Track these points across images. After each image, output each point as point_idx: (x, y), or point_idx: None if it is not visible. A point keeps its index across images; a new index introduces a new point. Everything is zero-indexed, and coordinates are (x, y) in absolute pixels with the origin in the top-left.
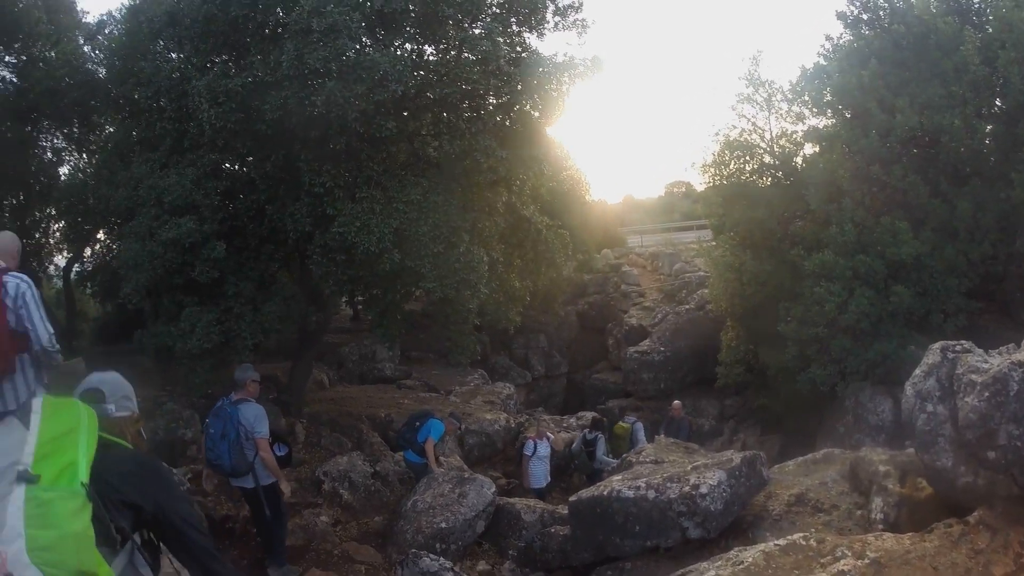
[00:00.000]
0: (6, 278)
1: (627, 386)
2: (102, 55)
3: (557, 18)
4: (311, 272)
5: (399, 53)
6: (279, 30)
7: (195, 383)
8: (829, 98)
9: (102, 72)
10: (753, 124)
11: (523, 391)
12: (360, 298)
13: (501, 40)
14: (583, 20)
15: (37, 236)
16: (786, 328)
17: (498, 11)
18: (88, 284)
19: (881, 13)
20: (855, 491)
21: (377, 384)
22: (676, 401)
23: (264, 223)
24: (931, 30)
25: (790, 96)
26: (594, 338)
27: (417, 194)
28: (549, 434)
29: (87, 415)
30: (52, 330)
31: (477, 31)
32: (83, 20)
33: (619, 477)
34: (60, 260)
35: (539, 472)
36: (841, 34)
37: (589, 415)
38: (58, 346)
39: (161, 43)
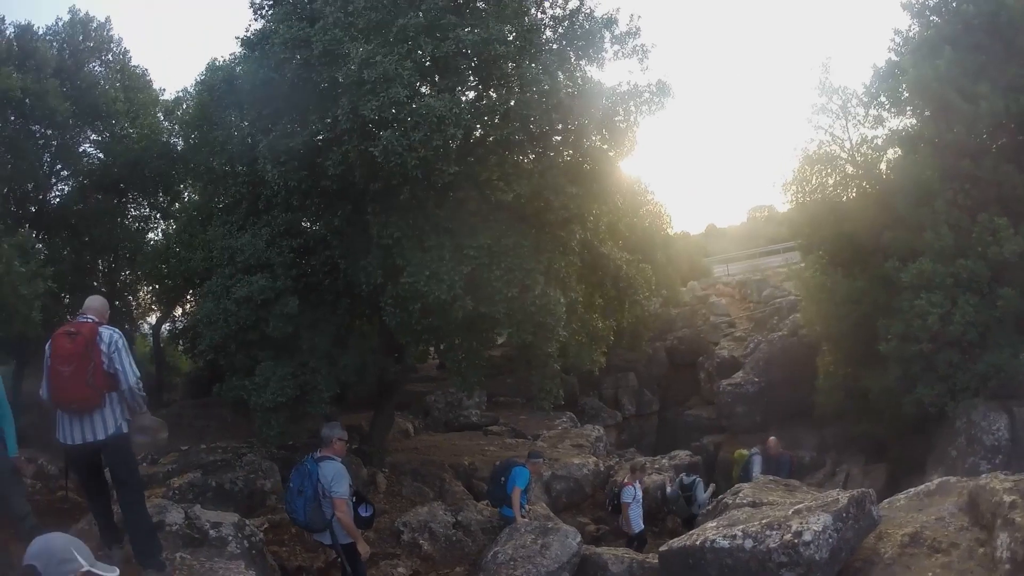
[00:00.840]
0: (101, 329)
1: (721, 420)
2: (178, 127)
3: (616, 47)
4: (387, 323)
5: (457, 97)
6: (336, 87)
7: (270, 435)
8: (906, 95)
9: (180, 144)
10: (831, 134)
11: (613, 432)
12: (439, 347)
13: (560, 75)
14: (643, 46)
15: (128, 297)
16: (886, 347)
17: (555, 46)
18: (180, 341)
19: None
20: (976, 525)
21: (463, 431)
22: (772, 437)
23: (339, 278)
24: (1000, 6)
25: (865, 100)
26: (685, 373)
27: (488, 239)
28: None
29: None
30: (138, 374)
31: (535, 67)
32: (161, 96)
33: (713, 524)
34: (152, 319)
35: (638, 516)
36: (910, 25)
37: (683, 454)
38: (142, 387)
39: (229, 111)
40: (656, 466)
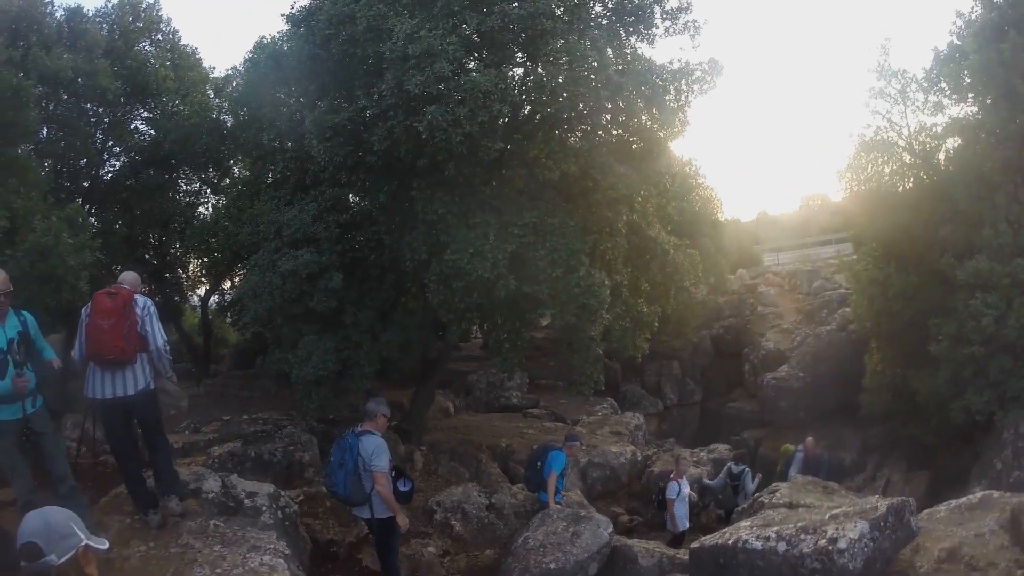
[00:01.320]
0: (137, 297)
1: (764, 415)
2: (228, 104)
3: (667, 23)
4: (430, 301)
5: (503, 73)
6: (381, 63)
7: (310, 408)
8: (968, 81)
9: (229, 120)
10: (888, 120)
11: (654, 420)
12: (482, 326)
13: (609, 51)
14: (694, 22)
15: (178, 270)
16: (938, 348)
17: (604, 21)
18: (227, 314)
19: None
20: (1016, 545)
21: (503, 412)
22: (809, 438)
23: (384, 254)
24: None
25: (925, 84)
26: (730, 364)
27: (533, 217)
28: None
29: None
30: (165, 337)
31: (583, 43)
32: (211, 75)
33: (747, 523)
34: (201, 291)
35: (683, 512)
36: (972, 7)
37: (722, 447)
38: (169, 351)
39: (277, 88)
40: (694, 459)
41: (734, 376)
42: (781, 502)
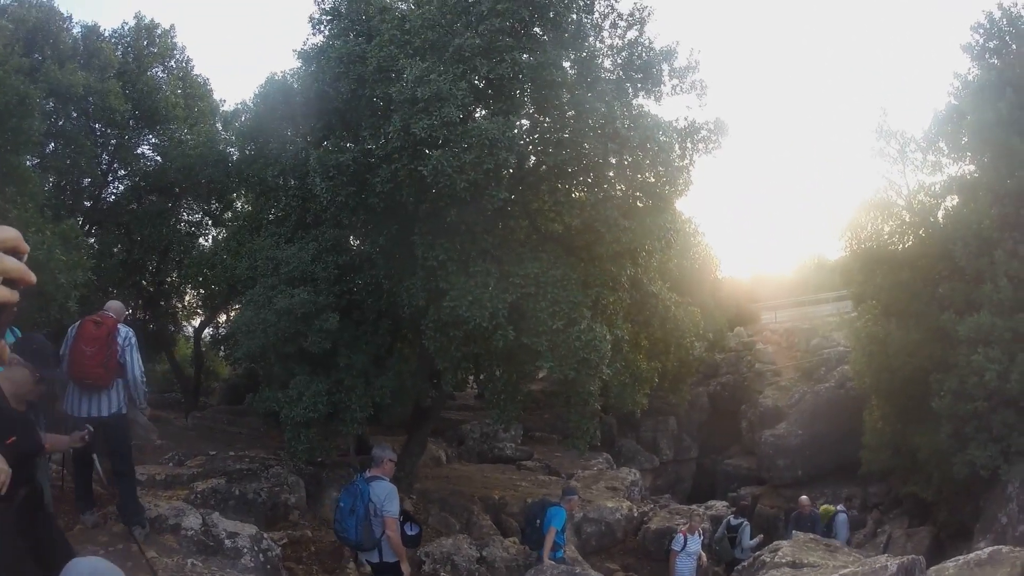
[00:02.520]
0: (120, 327)
1: (761, 472)
2: (235, 138)
3: (674, 81)
4: (427, 348)
5: (511, 121)
6: (389, 105)
7: (298, 449)
8: (966, 140)
9: (235, 154)
10: (888, 180)
11: (650, 476)
12: (478, 376)
13: (617, 106)
14: (701, 81)
15: (173, 299)
16: (939, 404)
17: (612, 76)
18: (222, 347)
19: (1007, 38)
20: None
21: (496, 463)
22: (803, 497)
23: (382, 298)
24: None
25: (924, 144)
26: (727, 421)
27: (535, 268)
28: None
29: None
30: (142, 368)
31: (591, 96)
32: (220, 107)
33: None
34: (196, 322)
35: (687, 569)
36: (969, 68)
37: (719, 504)
38: (145, 382)
39: (284, 124)
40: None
41: (731, 433)
42: (784, 561)
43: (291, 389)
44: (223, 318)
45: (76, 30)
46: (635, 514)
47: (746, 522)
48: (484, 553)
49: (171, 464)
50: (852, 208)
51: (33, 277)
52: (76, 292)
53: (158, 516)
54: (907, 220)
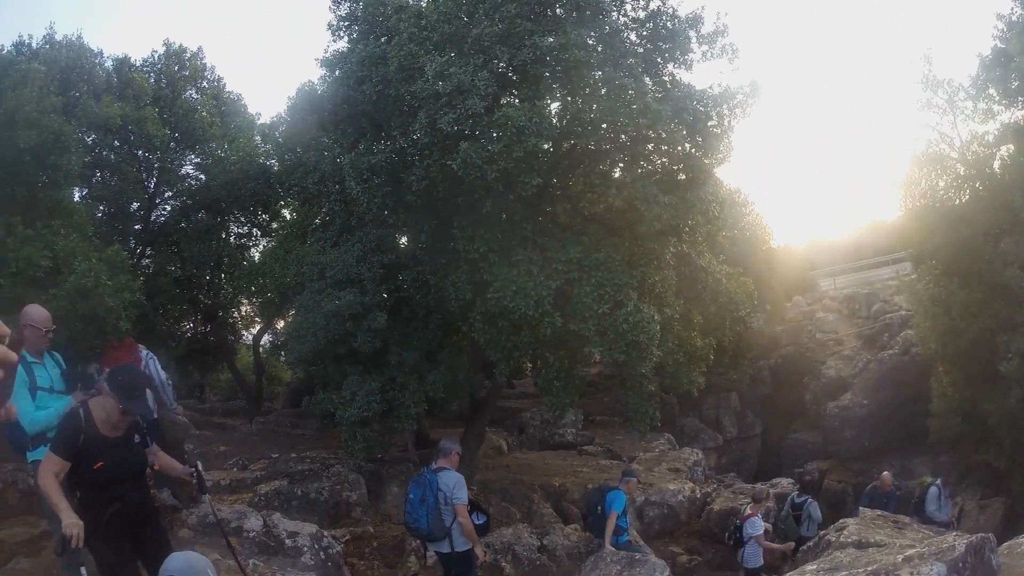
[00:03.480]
0: (142, 350)
1: (827, 446)
2: (273, 149)
3: (704, 47)
4: (477, 340)
5: (539, 107)
6: (414, 102)
7: (355, 449)
8: (1016, 84)
9: (276, 165)
10: (938, 132)
11: (713, 455)
12: (533, 363)
13: (647, 79)
14: (732, 45)
15: (231, 310)
16: (1008, 367)
17: (639, 49)
18: (281, 353)
19: None
20: None
21: (557, 450)
22: (886, 472)
23: (429, 293)
24: None
25: (973, 92)
26: (790, 394)
27: (577, 252)
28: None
29: None
30: (165, 375)
31: (620, 73)
32: (258, 120)
33: (813, 567)
34: (254, 330)
35: (758, 551)
36: (1012, 8)
37: (785, 482)
38: (170, 384)
39: (317, 131)
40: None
41: (795, 406)
42: (849, 541)
43: (344, 390)
44: (280, 324)
45: (108, 63)
46: (698, 495)
47: (809, 498)
48: (545, 541)
49: (235, 469)
50: (904, 164)
51: (14, 357)
52: (127, 313)
53: (220, 520)
54: (962, 173)
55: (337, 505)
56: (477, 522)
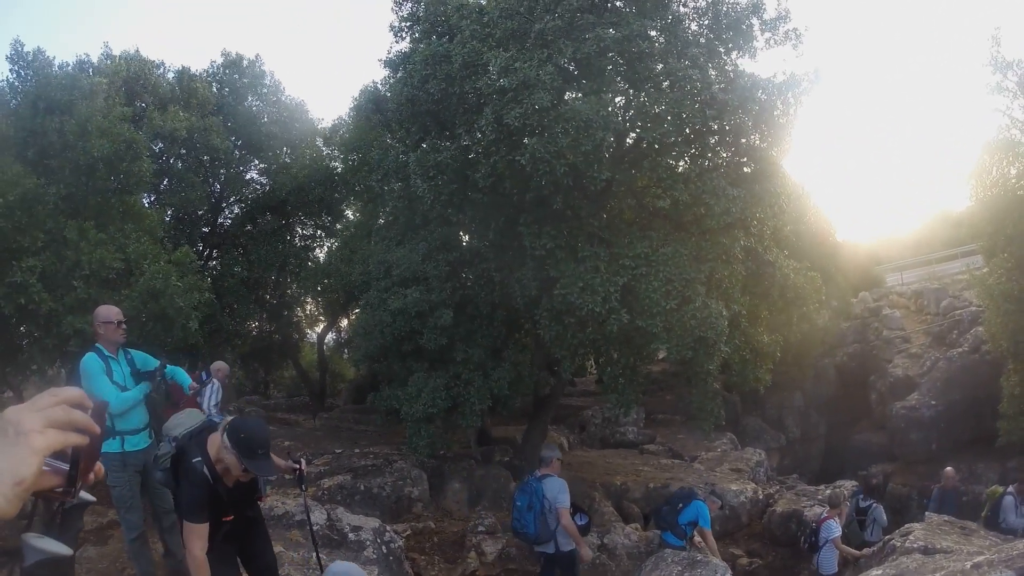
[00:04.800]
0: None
1: (893, 447)
2: (337, 151)
3: (767, 34)
4: (542, 337)
5: (604, 100)
6: (479, 99)
7: (419, 445)
8: None
9: (339, 167)
10: (1009, 117)
11: (776, 455)
12: (597, 361)
13: (711, 69)
14: (795, 30)
15: (296, 309)
16: None
17: (702, 39)
18: (345, 350)
19: None
20: None
21: (619, 448)
22: (949, 468)
23: (495, 290)
24: None
25: None
26: (855, 393)
27: (644, 247)
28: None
29: None
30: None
31: (683, 63)
32: (319, 124)
33: (879, 572)
34: (319, 329)
35: (834, 557)
36: None
37: (848, 484)
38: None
39: (381, 131)
40: (819, 497)
41: (860, 406)
42: (915, 546)
43: (410, 386)
44: (344, 323)
45: (170, 75)
46: (760, 497)
47: (874, 502)
48: (605, 540)
49: (303, 460)
50: (974, 152)
51: (97, 428)
52: (196, 312)
53: (285, 513)
54: None
55: (399, 500)
56: (580, 523)
